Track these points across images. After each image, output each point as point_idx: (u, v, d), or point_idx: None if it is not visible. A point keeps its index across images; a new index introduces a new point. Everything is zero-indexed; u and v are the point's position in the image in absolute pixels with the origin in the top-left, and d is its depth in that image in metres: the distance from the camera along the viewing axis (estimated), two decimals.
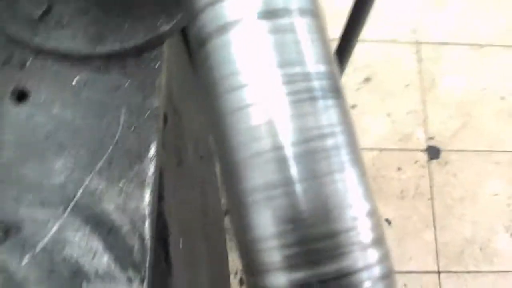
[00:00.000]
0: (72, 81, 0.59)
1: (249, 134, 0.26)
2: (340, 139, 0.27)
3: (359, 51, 2.19)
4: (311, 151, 0.26)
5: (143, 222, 0.55)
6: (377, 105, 2.10)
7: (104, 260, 0.54)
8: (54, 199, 0.55)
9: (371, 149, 2.03)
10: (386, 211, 1.95)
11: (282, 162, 0.26)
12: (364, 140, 2.04)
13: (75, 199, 0.55)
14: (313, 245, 0.25)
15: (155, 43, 0.61)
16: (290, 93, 0.26)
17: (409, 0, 2.29)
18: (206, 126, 1.32)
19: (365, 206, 0.27)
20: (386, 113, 2.09)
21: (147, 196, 0.56)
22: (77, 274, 0.53)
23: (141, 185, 0.57)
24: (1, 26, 0.57)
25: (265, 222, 0.26)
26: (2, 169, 0.55)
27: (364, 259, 0.25)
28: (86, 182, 0.56)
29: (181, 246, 0.81)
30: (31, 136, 0.57)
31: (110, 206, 0.55)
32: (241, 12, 0.27)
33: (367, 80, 2.12)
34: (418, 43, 2.22)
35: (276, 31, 0.26)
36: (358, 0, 0.94)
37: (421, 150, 2.05)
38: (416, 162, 2.03)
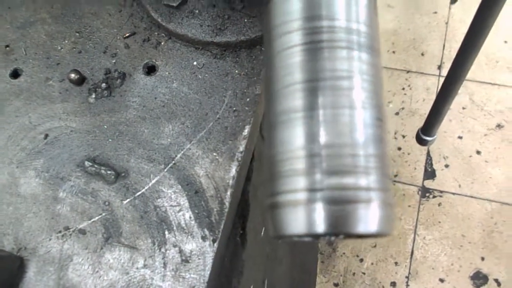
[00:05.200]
0: (193, 63, 0.69)
1: (286, 69, 0.31)
2: (366, 85, 0.31)
3: (494, 95, 2.06)
4: (334, 87, 0.30)
5: (226, 191, 0.62)
6: (506, 155, 1.94)
7: (187, 216, 0.62)
8: (158, 157, 0.65)
9: (491, 200, 1.88)
10: (497, 270, 1.77)
11: (307, 91, 0.31)
12: (484, 189, 1.90)
13: (175, 160, 0.64)
14: (319, 159, 0.29)
15: None
16: (328, 40, 0.31)
17: None
18: None
19: (371, 148, 0.30)
20: None
21: (234, 169, 0.63)
22: (163, 222, 0.61)
23: (231, 159, 0.64)
24: (147, 11, 0.70)
25: (288, 139, 0.31)
26: (125, 123, 0.67)
27: (366, 181, 0.29)
28: (187, 147, 0.65)
29: (262, 234, 0.86)
30: (152, 102, 0.68)
31: (201, 171, 0.63)
32: None
33: (498, 126, 1.97)
34: None
35: None
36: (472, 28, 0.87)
37: None
38: None
